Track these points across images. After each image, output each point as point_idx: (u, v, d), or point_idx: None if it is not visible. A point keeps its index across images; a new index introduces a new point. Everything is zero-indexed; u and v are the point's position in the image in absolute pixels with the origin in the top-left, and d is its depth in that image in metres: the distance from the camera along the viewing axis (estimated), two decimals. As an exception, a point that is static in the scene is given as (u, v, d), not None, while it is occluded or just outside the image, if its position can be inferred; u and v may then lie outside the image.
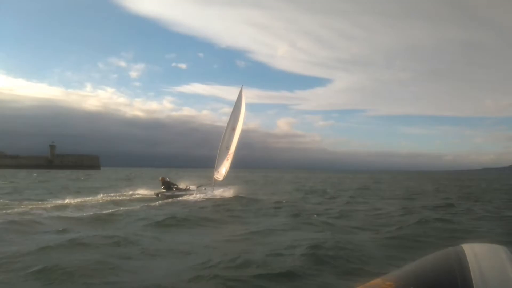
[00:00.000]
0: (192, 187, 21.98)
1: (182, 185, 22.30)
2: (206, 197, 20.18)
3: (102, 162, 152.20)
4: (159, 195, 20.37)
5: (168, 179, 22.22)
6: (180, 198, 19.74)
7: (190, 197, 19.95)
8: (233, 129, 22.40)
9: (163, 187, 21.40)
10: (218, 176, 22.20)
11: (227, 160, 22.13)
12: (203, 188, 21.89)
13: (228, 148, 22.25)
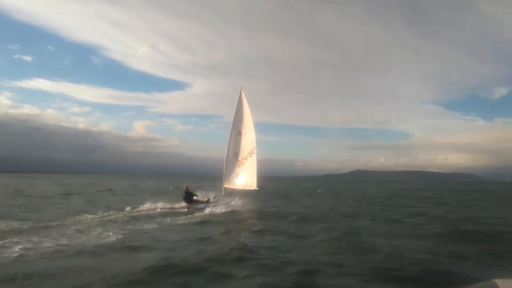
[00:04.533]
0: (213, 198, 21.57)
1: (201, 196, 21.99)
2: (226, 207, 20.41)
3: None
4: (190, 209, 19.91)
5: (190, 190, 21.52)
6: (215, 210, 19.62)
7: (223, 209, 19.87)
8: (239, 133, 22.00)
9: (184, 195, 21.02)
10: (228, 185, 21.72)
11: (239, 167, 21.62)
12: (217, 198, 21.50)
13: (237, 154, 21.75)
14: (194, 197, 21.24)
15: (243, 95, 22.41)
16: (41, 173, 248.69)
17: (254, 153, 21.46)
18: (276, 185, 71.73)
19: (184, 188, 21.61)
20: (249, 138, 21.81)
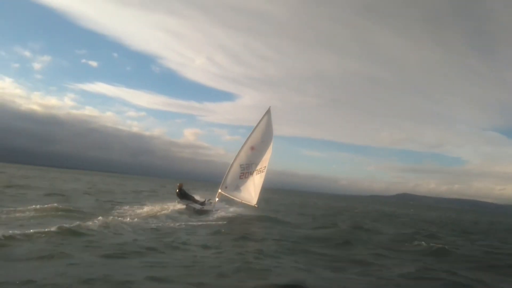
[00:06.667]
0: (207, 201, 22.18)
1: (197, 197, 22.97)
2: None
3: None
4: (187, 206, 20.77)
5: (184, 188, 22.52)
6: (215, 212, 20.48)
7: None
8: (252, 148, 22.10)
9: (178, 191, 22.00)
10: (224, 192, 22.17)
11: (241, 178, 22.01)
12: (211, 202, 22.11)
13: (242, 167, 22.04)
14: (191, 199, 22.03)
15: (271, 114, 22.34)
16: (96, 171, 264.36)
17: (263, 172, 21.84)
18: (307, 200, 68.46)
19: (178, 185, 22.47)
20: (263, 156, 22.07)
